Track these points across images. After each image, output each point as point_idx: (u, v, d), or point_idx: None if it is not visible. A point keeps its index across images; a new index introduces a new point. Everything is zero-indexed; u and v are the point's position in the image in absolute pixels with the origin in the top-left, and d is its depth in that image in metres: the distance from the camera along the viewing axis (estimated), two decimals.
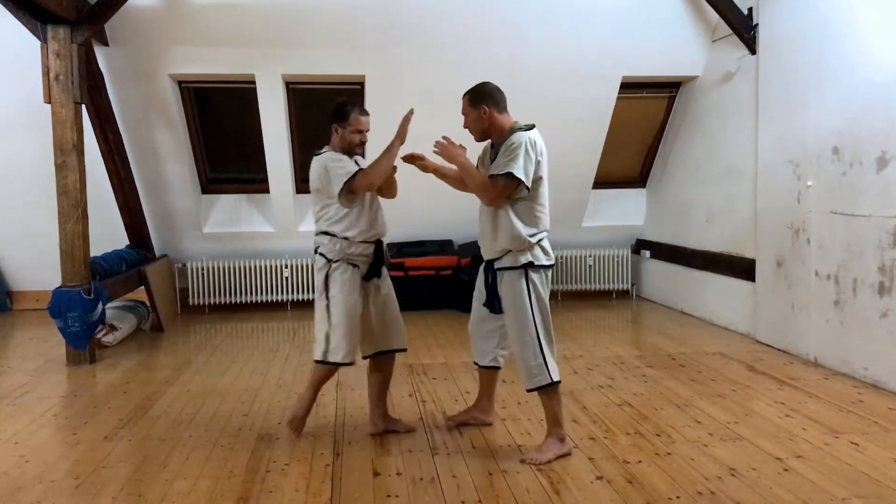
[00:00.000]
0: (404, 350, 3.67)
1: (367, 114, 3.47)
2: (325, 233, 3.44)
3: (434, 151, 3.39)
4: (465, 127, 3.40)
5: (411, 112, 3.41)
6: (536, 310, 3.25)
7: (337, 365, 3.46)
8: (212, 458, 3.35)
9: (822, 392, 4.25)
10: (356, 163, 3.49)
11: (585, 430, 3.65)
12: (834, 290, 4.68)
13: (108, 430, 3.75)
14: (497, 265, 3.32)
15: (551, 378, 3.24)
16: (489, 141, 3.43)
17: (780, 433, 3.58)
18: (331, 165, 3.38)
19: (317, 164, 3.44)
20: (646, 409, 4.00)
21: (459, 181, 3.54)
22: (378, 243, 3.54)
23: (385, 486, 3.02)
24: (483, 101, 3.31)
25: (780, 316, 5.28)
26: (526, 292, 3.24)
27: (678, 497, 2.87)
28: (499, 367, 3.62)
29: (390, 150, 3.39)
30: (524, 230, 3.22)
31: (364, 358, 3.65)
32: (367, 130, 3.49)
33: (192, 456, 3.37)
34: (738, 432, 3.60)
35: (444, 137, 3.39)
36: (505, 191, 3.19)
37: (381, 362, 3.65)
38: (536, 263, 3.26)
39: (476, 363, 3.66)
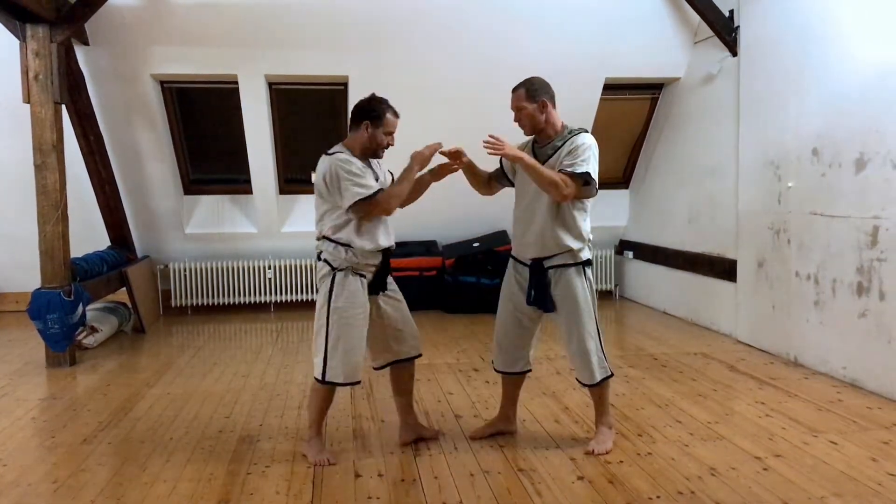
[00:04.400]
0: (419, 356, 3.49)
1: (398, 115, 3.26)
2: (328, 238, 3.19)
3: (486, 148, 3.11)
4: (517, 121, 3.34)
5: (439, 145, 3.26)
6: (595, 304, 3.36)
7: (336, 385, 3.23)
8: (192, 460, 3.33)
9: (802, 391, 4.30)
10: (371, 167, 3.26)
11: (567, 431, 3.67)
12: (814, 290, 4.73)
13: (88, 433, 3.72)
14: (551, 263, 3.31)
15: (611, 371, 3.43)
16: (531, 137, 3.41)
17: (759, 433, 3.61)
18: (345, 175, 3.08)
19: (327, 165, 3.12)
20: (627, 409, 4.02)
21: (485, 182, 3.52)
22: (386, 252, 3.31)
23: (366, 487, 3.01)
24: (542, 94, 3.29)
25: (761, 316, 5.32)
26: (586, 288, 3.32)
27: (658, 497, 2.89)
28: (530, 370, 3.58)
29: (409, 174, 3.21)
30: (586, 228, 3.31)
31: (378, 369, 3.50)
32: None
33: (173, 459, 3.35)
34: (719, 432, 3.62)
35: (492, 136, 3.12)
36: (580, 189, 3.21)
37: (400, 370, 3.47)
38: (590, 260, 3.37)
39: (502, 371, 3.55)
